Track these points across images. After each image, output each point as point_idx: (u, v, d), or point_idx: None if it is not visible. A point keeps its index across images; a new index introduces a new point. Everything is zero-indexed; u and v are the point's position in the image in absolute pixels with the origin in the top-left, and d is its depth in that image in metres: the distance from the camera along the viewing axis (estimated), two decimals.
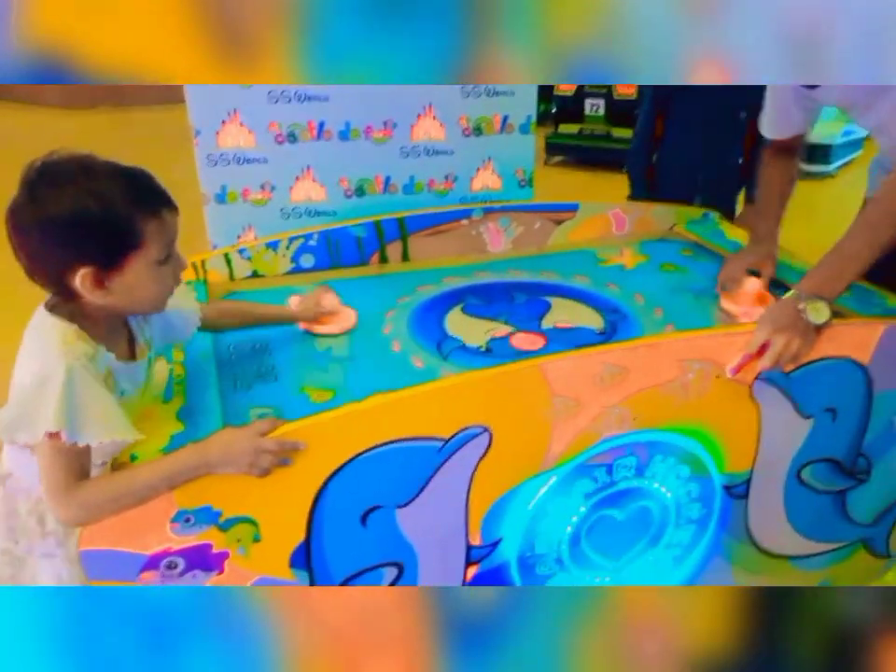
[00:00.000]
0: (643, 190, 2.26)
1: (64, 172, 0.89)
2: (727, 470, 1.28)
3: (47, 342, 0.90)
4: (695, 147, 1.87)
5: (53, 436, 0.86)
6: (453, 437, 1.06)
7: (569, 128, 5.47)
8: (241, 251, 1.62)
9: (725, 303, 1.50)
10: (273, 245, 1.64)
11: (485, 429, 1.07)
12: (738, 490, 1.31)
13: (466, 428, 1.06)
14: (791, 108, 1.50)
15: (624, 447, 1.20)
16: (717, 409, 1.22)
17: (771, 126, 1.56)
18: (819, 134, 4.45)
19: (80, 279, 0.89)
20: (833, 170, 4.96)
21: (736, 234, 1.80)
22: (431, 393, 1.06)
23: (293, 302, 1.43)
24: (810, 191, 4.47)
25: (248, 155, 1.71)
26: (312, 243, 1.68)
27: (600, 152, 5.31)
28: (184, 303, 1.13)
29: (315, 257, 1.69)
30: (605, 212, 1.91)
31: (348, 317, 1.43)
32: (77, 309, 0.93)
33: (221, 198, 1.74)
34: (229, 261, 1.60)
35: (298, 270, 1.67)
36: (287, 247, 1.66)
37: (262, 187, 1.76)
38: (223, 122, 1.68)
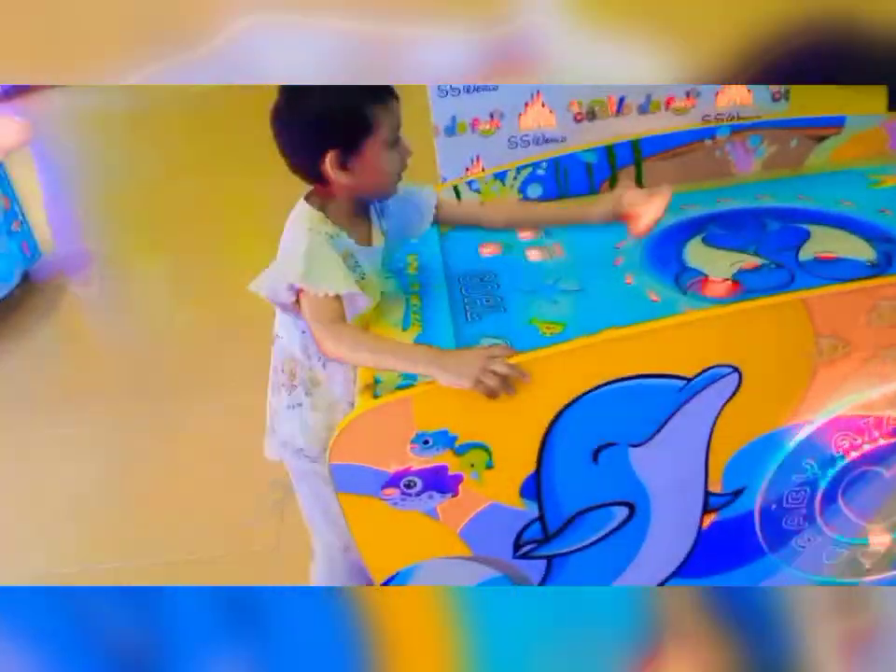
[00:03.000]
0: None
1: None
2: None
3: (299, 223, 1.09)
4: None
5: (298, 291, 1.02)
6: (697, 376, 0.98)
7: None
8: (469, 183, 1.62)
9: None
10: (500, 176, 1.62)
11: (734, 370, 0.98)
12: None
13: (712, 367, 0.98)
14: None
15: None
16: None
17: None
18: None
19: (329, 161, 1.03)
20: None
21: None
22: (673, 328, 0.99)
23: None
24: None
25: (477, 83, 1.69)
26: (540, 172, 1.63)
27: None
28: (421, 200, 1.23)
29: (543, 186, 1.64)
30: (876, 125, 1.64)
31: (656, 208, 1.22)
32: (326, 198, 1.10)
33: (451, 130, 1.74)
34: (458, 194, 1.61)
35: (526, 200, 1.64)
36: (515, 178, 1.63)
37: (491, 115, 1.73)
38: None
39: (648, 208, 1.21)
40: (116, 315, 3.07)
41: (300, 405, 1.16)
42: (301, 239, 1.06)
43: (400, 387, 1.00)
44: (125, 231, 3.75)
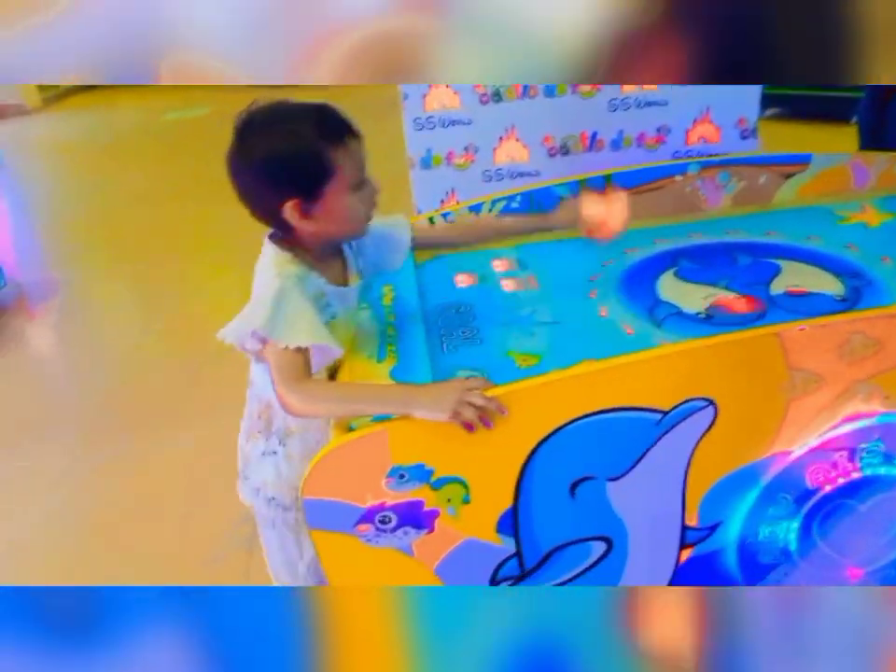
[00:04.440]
0: (875, 141, 1.99)
1: (263, 118, 0.99)
2: None
3: (266, 266, 1.04)
4: None
5: (263, 339, 0.98)
6: (673, 409, 0.98)
7: None
8: (444, 215, 1.62)
9: None
10: (475, 208, 1.63)
11: (710, 403, 0.98)
12: None
13: (688, 400, 0.98)
14: None
15: (872, 430, 1.05)
16: None
17: None
18: None
19: (289, 211, 0.99)
20: None
21: None
22: (651, 361, 0.99)
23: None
24: None
25: (453, 117, 1.71)
26: (514, 204, 1.64)
27: (820, 102, 4.72)
28: (395, 233, 1.21)
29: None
30: (842, 163, 1.68)
31: (616, 212, 1.27)
32: (292, 238, 1.05)
33: (426, 162, 1.75)
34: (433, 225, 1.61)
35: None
36: (490, 210, 1.63)
37: (466, 149, 1.75)
38: (429, 86, 1.68)
39: (608, 212, 1.26)
40: (81, 343, 3.00)
41: (274, 453, 1.13)
42: (268, 284, 1.00)
43: (376, 420, 0.98)
44: (90, 260, 3.69)
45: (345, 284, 1.12)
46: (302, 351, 0.98)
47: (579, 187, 1.65)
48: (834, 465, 1.07)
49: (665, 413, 0.98)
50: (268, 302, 0.98)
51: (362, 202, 1.05)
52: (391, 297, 1.34)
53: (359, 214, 1.06)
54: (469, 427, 0.93)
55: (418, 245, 1.29)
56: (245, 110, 1.00)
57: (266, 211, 1.02)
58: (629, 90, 1.70)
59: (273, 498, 1.14)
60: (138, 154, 5.22)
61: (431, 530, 1.00)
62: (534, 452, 0.99)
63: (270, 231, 1.07)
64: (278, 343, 0.97)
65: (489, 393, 0.94)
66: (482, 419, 0.93)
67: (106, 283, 3.45)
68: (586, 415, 0.98)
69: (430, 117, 1.70)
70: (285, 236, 1.05)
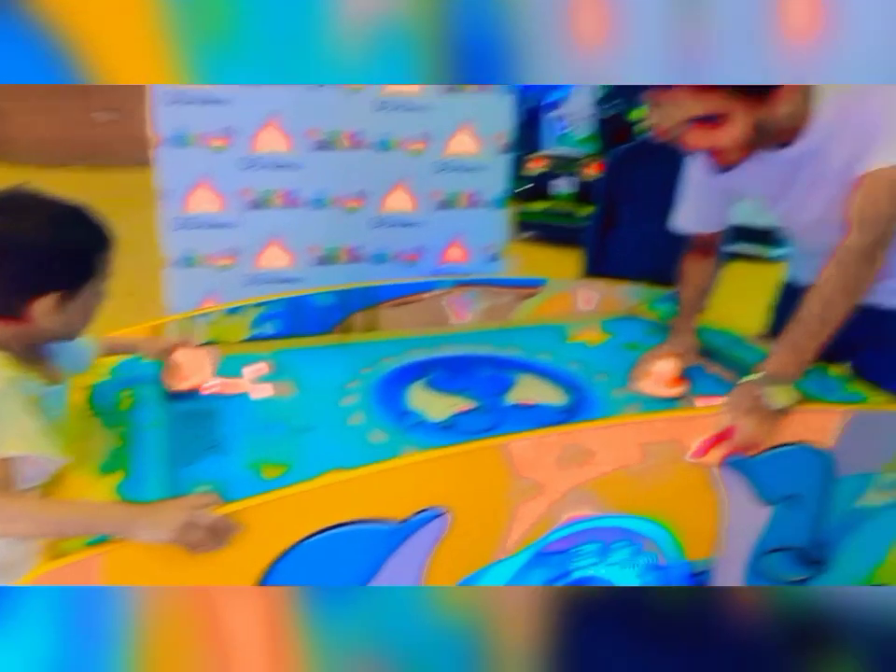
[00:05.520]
0: (597, 268, 2.31)
1: (27, 205, 0.98)
2: (689, 558, 1.24)
3: None
4: (645, 230, 1.92)
5: None
6: (409, 519, 1.01)
7: (538, 205, 5.65)
8: (200, 317, 1.58)
9: (642, 386, 1.48)
10: (234, 312, 1.61)
11: (444, 512, 1.03)
12: (700, 580, 1.27)
13: (423, 510, 1.02)
14: (708, 202, 1.51)
15: (585, 533, 1.16)
16: (679, 494, 1.20)
17: (688, 221, 1.55)
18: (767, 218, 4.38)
19: (46, 303, 0.97)
20: (775, 255, 4.61)
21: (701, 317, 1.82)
22: (388, 472, 1.02)
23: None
24: (757, 272, 4.38)
25: (216, 220, 1.70)
26: (275, 310, 1.65)
27: (568, 230, 5.43)
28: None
29: (277, 324, 1.65)
30: (570, 289, 1.93)
31: (199, 373, 1.34)
32: (3, 337, 0.99)
33: (185, 262, 1.71)
34: (187, 327, 1.56)
35: (258, 337, 1.64)
36: (249, 314, 1.63)
37: (228, 252, 1.74)
38: (193, 185, 1.67)
39: (192, 367, 1.33)
40: None
41: None
42: None
43: (93, 543, 0.89)
44: None
45: (57, 382, 1.09)
46: (6, 462, 0.90)
47: (340, 296, 1.71)
48: (552, 567, 1.16)
49: (402, 523, 1.01)
50: None
51: (96, 305, 1.07)
52: (129, 402, 1.26)
53: (91, 318, 1.07)
54: (196, 548, 0.88)
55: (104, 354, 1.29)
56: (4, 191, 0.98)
57: (10, 298, 0.97)
58: (389, 210, 1.83)
59: None
60: None
61: None
62: (271, 568, 0.96)
63: None
64: None
65: (223, 509, 0.91)
66: (211, 539, 0.89)
67: None
68: (326, 528, 0.98)
69: (190, 218, 1.68)
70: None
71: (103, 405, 1.21)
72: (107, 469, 1.04)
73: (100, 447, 1.09)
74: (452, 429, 1.30)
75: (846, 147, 1.21)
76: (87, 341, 1.21)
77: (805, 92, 1.21)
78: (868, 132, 1.18)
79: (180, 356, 1.32)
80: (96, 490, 1.00)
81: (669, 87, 1.16)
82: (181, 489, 1.05)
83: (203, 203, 1.69)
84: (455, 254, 1.93)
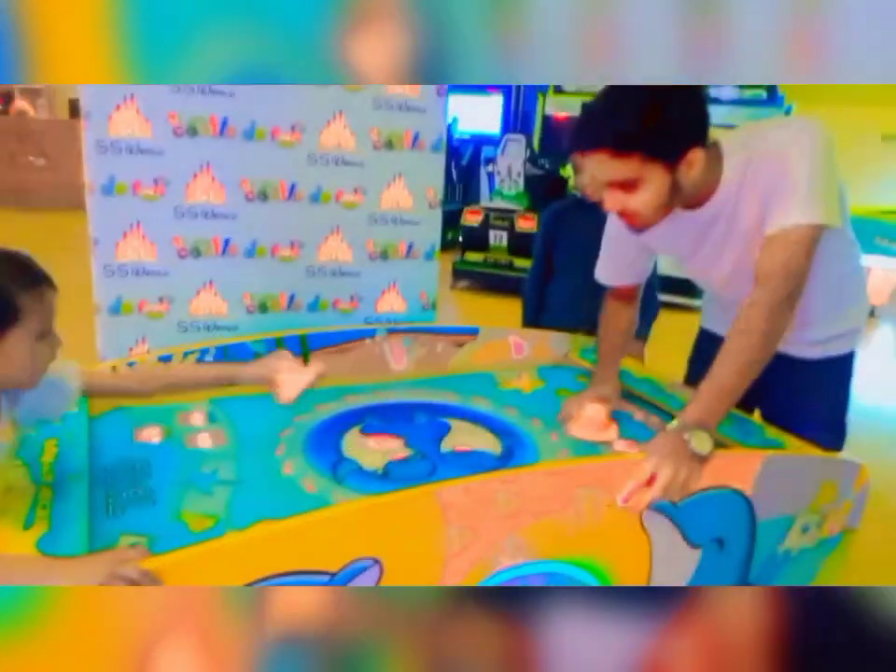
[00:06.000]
0: (536, 318, 2.38)
1: None
2: None
3: None
4: (579, 282, 1.99)
5: None
6: (341, 570, 1.00)
7: (475, 256, 5.87)
8: (130, 364, 1.55)
9: (575, 431, 1.53)
10: (165, 359, 1.58)
11: (376, 561, 1.02)
12: None
13: (355, 561, 1.01)
14: (625, 256, 1.59)
15: (517, 580, 1.17)
16: (609, 539, 1.22)
17: (607, 273, 1.63)
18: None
19: None
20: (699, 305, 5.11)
21: (626, 364, 1.88)
22: (319, 522, 1.01)
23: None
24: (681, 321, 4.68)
25: (148, 267, 1.68)
26: (208, 357, 1.63)
27: (503, 280, 5.61)
28: (61, 379, 1.13)
29: None
30: (504, 337, 1.97)
31: (304, 380, 1.33)
32: None
33: (115, 309, 1.68)
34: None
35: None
36: (181, 361, 1.60)
37: (161, 299, 1.72)
38: (124, 233, 1.65)
39: (295, 378, 1.32)
40: None
41: None
42: None
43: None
44: None
45: (3, 439, 1.03)
46: None
47: (275, 344, 1.70)
48: None
49: (334, 575, 1.00)
50: None
51: (42, 353, 1.02)
52: (53, 452, 1.22)
53: (38, 364, 1.02)
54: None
55: (93, 394, 1.22)
56: None
57: None
58: (326, 258, 1.84)
59: None
60: None
61: None
62: None
63: None
64: None
65: (147, 563, 0.89)
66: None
67: None
68: (257, 580, 0.96)
69: (122, 265, 1.66)
70: None
71: (28, 455, 1.17)
72: (29, 523, 1.00)
73: (23, 500, 1.05)
74: (387, 477, 1.30)
75: (752, 208, 1.30)
76: (65, 389, 1.14)
77: (714, 157, 1.30)
78: (772, 193, 1.27)
79: (280, 367, 1.32)
80: (16, 544, 0.95)
81: (590, 150, 1.23)
82: (107, 541, 1.02)
83: (135, 250, 1.67)
84: (391, 303, 1.95)
